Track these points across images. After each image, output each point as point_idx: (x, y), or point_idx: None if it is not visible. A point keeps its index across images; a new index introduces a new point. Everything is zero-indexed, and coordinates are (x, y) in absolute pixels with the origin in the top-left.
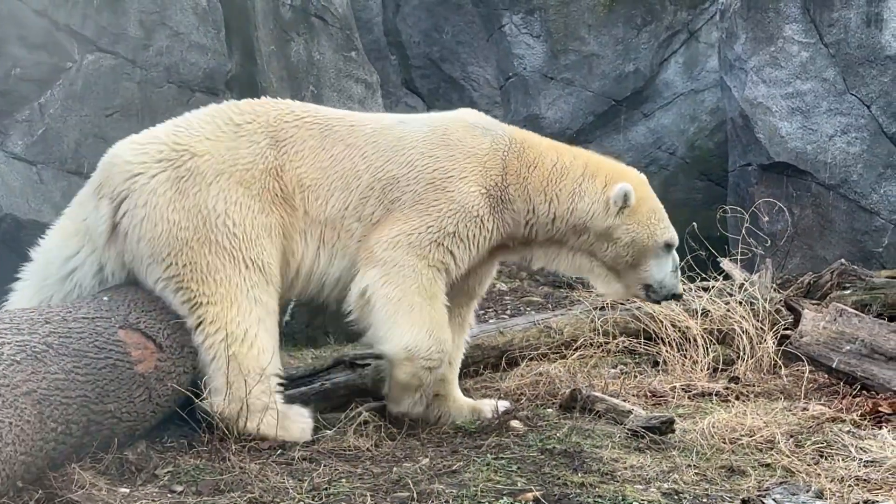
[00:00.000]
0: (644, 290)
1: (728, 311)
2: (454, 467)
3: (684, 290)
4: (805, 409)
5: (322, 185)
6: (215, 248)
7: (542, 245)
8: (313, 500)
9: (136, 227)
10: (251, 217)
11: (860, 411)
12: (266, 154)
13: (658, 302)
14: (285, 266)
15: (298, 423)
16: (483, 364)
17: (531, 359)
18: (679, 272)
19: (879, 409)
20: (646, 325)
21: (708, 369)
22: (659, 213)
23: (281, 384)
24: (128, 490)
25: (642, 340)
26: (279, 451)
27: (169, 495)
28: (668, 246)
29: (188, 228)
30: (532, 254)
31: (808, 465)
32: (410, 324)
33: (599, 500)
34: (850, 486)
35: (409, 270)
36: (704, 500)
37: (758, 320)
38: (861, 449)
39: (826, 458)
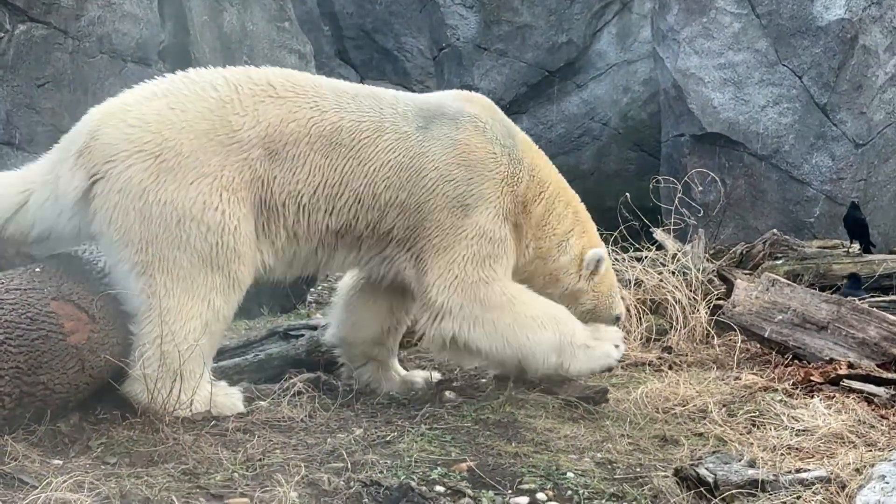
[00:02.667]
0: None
1: (661, 281)
2: (388, 438)
3: (617, 262)
4: (737, 378)
5: (328, 199)
6: (185, 247)
7: (519, 273)
8: (247, 471)
9: (108, 210)
10: (232, 225)
11: (792, 380)
12: (256, 165)
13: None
14: (291, 258)
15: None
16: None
17: None
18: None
19: (811, 378)
20: None
21: (641, 339)
22: (616, 288)
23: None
24: (61, 462)
25: None
26: (213, 423)
27: (102, 467)
28: (617, 319)
29: (160, 224)
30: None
31: (741, 435)
32: (535, 339)
33: (533, 469)
34: (782, 454)
35: (478, 306)
36: (638, 469)
37: (690, 290)
38: (793, 418)
39: (758, 428)
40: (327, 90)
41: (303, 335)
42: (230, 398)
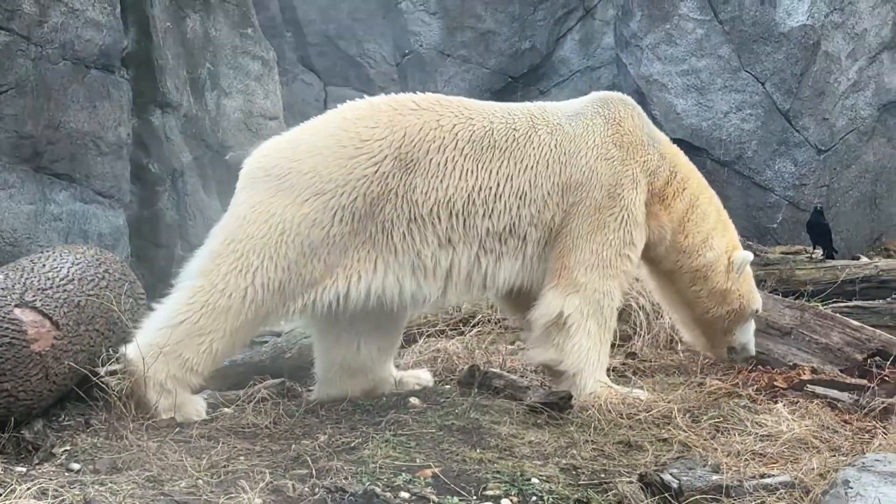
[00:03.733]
0: (728, 351)
1: None
2: (353, 444)
3: None
4: (701, 384)
5: (486, 202)
6: (270, 253)
7: (660, 271)
8: (212, 477)
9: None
10: (343, 242)
11: (756, 386)
12: (387, 179)
13: (735, 362)
14: (422, 274)
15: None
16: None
17: (429, 335)
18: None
19: (775, 383)
20: None
21: None
22: (754, 282)
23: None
24: (24, 469)
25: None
26: (177, 429)
27: (66, 474)
28: (756, 312)
29: (258, 226)
30: (648, 272)
31: (705, 440)
32: (599, 363)
33: (498, 475)
34: (746, 460)
35: (606, 299)
36: (602, 475)
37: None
38: (757, 423)
39: (722, 433)
40: (474, 104)
41: (267, 342)
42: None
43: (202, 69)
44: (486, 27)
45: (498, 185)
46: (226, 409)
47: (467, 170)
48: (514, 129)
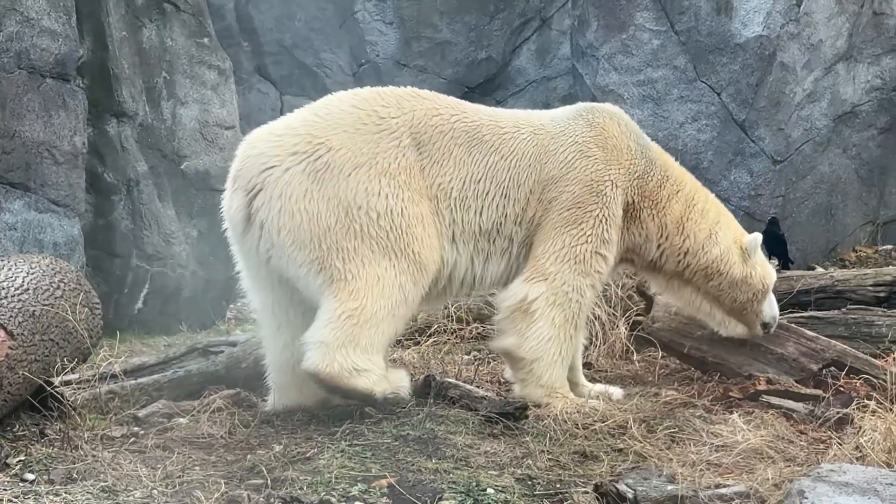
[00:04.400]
0: (763, 327)
1: None
2: (308, 454)
3: None
4: (657, 394)
5: (476, 196)
6: (361, 236)
7: (668, 275)
8: (167, 487)
9: (273, 219)
10: (399, 206)
11: (711, 396)
12: (408, 153)
13: (768, 332)
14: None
15: (399, 379)
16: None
17: None
18: None
19: (730, 393)
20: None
21: None
22: (764, 257)
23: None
24: None
25: (496, 327)
26: (132, 440)
27: (21, 484)
28: (773, 283)
29: (329, 217)
30: (656, 279)
31: (661, 450)
32: (560, 358)
33: (454, 485)
34: (701, 470)
35: (575, 294)
36: (558, 485)
37: (610, 306)
38: (712, 434)
39: (678, 443)
40: (463, 102)
41: (222, 352)
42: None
43: (158, 78)
44: (442, 37)
45: (485, 178)
46: (181, 420)
47: (461, 159)
48: (500, 127)
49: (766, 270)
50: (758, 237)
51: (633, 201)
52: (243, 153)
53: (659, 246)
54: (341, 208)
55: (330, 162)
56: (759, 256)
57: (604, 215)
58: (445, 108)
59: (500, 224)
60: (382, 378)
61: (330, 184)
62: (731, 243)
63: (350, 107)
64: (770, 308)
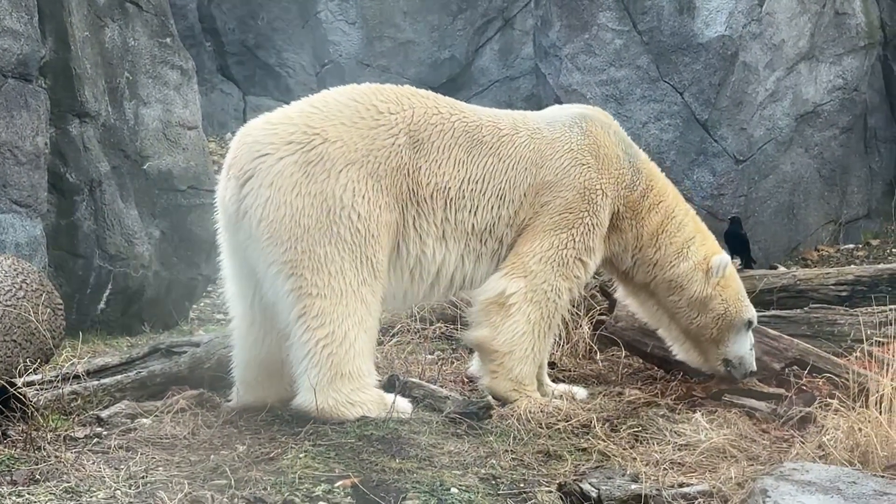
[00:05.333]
0: (724, 364)
1: None
2: (272, 454)
3: None
4: (620, 393)
5: (473, 196)
6: (335, 240)
7: (637, 286)
8: (130, 488)
9: (258, 208)
10: (376, 213)
11: (675, 395)
12: (402, 153)
13: (737, 379)
14: (416, 266)
15: (400, 405)
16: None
17: None
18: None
19: (693, 393)
20: (462, 311)
21: None
22: (744, 291)
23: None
24: None
25: (459, 326)
26: (95, 441)
27: None
28: (750, 323)
29: (311, 216)
30: (624, 287)
31: (624, 450)
32: (532, 354)
33: (417, 485)
34: (664, 469)
35: (553, 294)
36: (522, 484)
37: (573, 306)
38: (675, 433)
39: (641, 442)
40: (461, 103)
41: (185, 352)
42: (401, 401)
43: (120, 78)
44: (405, 37)
45: (483, 179)
46: (144, 420)
47: (460, 160)
48: (499, 129)
49: (737, 301)
50: (724, 258)
51: (618, 210)
52: (238, 141)
53: (633, 256)
54: (325, 207)
55: (323, 154)
56: (732, 283)
57: (592, 223)
58: (445, 107)
59: (493, 225)
60: (379, 403)
61: (320, 178)
62: (701, 261)
63: (349, 100)
64: (737, 347)
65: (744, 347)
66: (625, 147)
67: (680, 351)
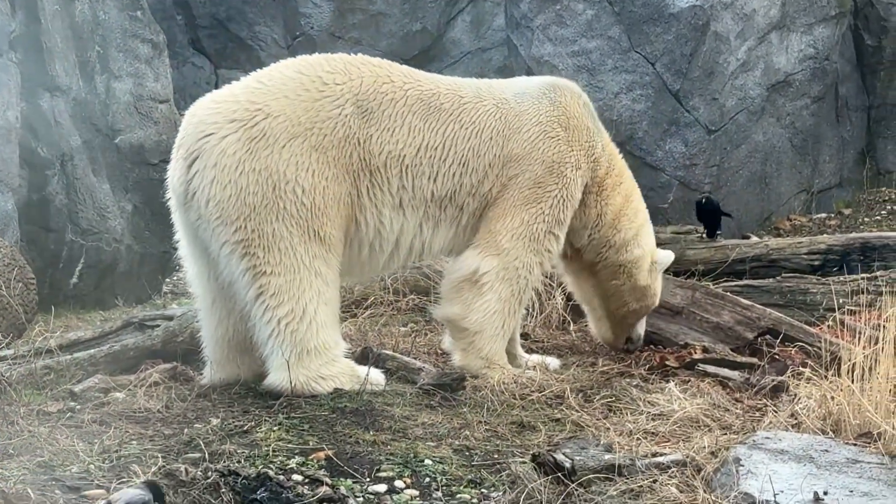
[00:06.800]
0: (627, 341)
1: None
2: (246, 427)
3: None
4: (594, 364)
5: (432, 163)
6: (282, 216)
7: (581, 264)
8: (104, 462)
9: (205, 189)
10: (322, 185)
11: (648, 366)
12: (349, 122)
13: (630, 350)
14: (376, 237)
15: (373, 377)
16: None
17: None
18: None
19: (666, 362)
20: (435, 283)
21: None
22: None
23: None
24: None
25: (432, 298)
26: (69, 415)
27: None
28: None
29: (257, 193)
30: (567, 264)
31: (598, 420)
32: (502, 332)
33: (391, 457)
34: (638, 439)
35: (525, 271)
36: (495, 455)
37: (546, 277)
38: (649, 402)
39: (615, 413)
40: (419, 71)
41: (158, 325)
42: (375, 373)
43: (91, 52)
44: (376, 9)
45: (443, 146)
46: (117, 394)
47: (416, 127)
48: (461, 97)
49: (659, 291)
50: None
51: (587, 184)
52: (186, 121)
53: (590, 235)
54: (270, 183)
55: (266, 130)
56: (660, 276)
57: (562, 196)
58: (398, 75)
59: (455, 192)
60: (350, 374)
61: (263, 154)
62: (648, 251)
63: (294, 73)
64: (641, 326)
65: (643, 326)
66: (593, 119)
67: (597, 327)
